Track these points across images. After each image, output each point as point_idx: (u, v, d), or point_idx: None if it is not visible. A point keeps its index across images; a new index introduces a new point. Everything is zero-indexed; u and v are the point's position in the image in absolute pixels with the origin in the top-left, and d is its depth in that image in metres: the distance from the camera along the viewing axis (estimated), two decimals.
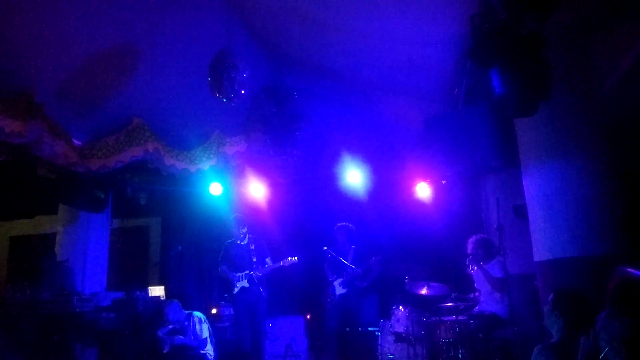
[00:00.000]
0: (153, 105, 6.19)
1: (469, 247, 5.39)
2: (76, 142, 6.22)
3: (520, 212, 5.59)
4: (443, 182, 6.70)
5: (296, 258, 5.93)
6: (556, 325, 2.71)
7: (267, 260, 6.07)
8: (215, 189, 7.36)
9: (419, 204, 6.87)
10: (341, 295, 6.00)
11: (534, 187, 4.49)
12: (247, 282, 5.92)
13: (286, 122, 6.22)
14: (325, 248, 6.14)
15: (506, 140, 5.01)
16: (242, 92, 5.28)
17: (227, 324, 6.62)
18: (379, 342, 5.55)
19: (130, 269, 6.85)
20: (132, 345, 5.93)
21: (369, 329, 6.48)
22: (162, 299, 6.75)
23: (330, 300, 6.01)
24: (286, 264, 5.93)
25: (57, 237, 7.55)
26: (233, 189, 7.66)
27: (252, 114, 6.44)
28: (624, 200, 4.32)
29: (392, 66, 5.78)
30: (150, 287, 6.85)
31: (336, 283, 6.05)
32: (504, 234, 4.96)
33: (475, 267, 5.31)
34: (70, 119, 6.01)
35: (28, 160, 6.24)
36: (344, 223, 6.23)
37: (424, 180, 6.70)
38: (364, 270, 5.98)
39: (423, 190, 6.77)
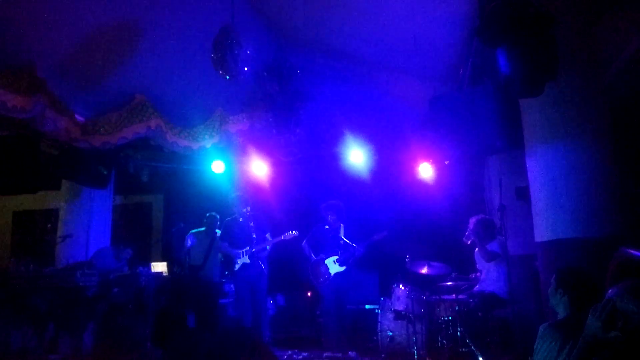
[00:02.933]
0: (156, 82, 6.16)
1: (470, 227, 5.41)
2: (79, 118, 6.22)
3: (523, 193, 5.60)
4: (446, 162, 6.67)
5: (296, 232, 5.96)
6: (562, 304, 2.72)
7: (267, 236, 6.09)
8: (217, 166, 7.36)
9: (422, 184, 6.87)
10: (337, 273, 6.01)
11: (537, 168, 4.48)
12: (248, 258, 5.96)
13: (289, 101, 6.17)
14: (327, 227, 6.15)
15: (511, 121, 4.97)
16: (245, 69, 5.23)
17: (229, 300, 6.69)
18: (379, 320, 5.60)
19: (133, 245, 6.84)
20: (135, 319, 5.98)
21: (369, 306, 6.57)
22: (164, 274, 6.81)
23: (325, 279, 6.02)
24: (287, 238, 5.96)
25: (60, 213, 7.59)
26: (235, 167, 7.66)
27: (255, 92, 6.40)
28: (628, 183, 4.31)
29: (396, 45, 5.71)
30: (152, 263, 6.90)
31: (329, 261, 6.05)
32: (506, 214, 4.97)
33: (470, 241, 5.37)
34: (73, 94, 5.99)
35: (31, 136, 6.24)
36: (334, 201, 6.23)
37: (427, 160, 6.68)
38: (365, 248, 6.00)
39: (426, 171, 6.76)
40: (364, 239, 6.00)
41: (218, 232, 6.58)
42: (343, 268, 6.03)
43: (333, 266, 6.04)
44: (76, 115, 6.14)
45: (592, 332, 2.19)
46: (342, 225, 6.18)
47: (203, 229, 6.58)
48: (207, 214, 6.66)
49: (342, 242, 6.08)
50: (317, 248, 6.17)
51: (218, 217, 6.59)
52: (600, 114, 4.29)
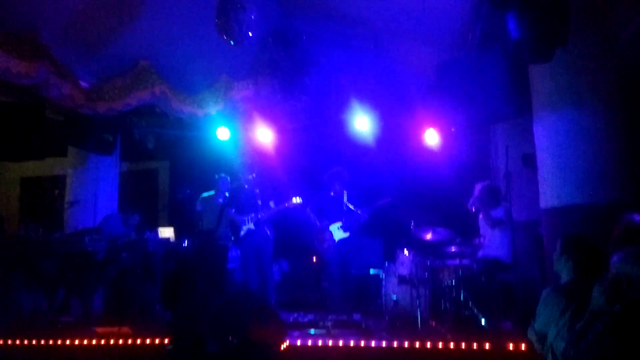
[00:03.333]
0: (160, 48, 6.12)
1: (475, 193, 5.43)
2: (83, 84, 6.21)
3: (529, 160, 5.60)
4: (452, 129, 6.67)
5: (300, 199, 6.00)
6: (565, 269, 2.77)
7: (271, 203, 6.13)
8: (222, 133, 7.34)
9: (427, 150, 6.84)
10: (342, 239, 6.08)
11: (544, 134, 4.47)
12: (254, 224, 6.03)
13: (295, 67, 6.11)
14: (331, 194, 6.18)
15: (519, 87, 4.95)
16: (250, 34, 5.18)
17: (235, 265, 6.80)
18: (383, 284, 5.66)
19: (140, 211, 6.92)
20: (144, 283, 6.10)
21: (374, 271, 6.66)
22: (171, 240, 6.91)
23: (329, 245, 6.08)
24: (291, 205, 6.00)
25: (67, 179, 7.66)
26: (241, 134, 7.66)
27: (260, 58, 6.35)
28: (636, 150, 4.30)
29: (404, 10, 5.61)
30: (159, 229, 6.99)
31: (334, 227, 6.10)
32: (512, 181, 4.99)
33: (475, 208, 5.39)
34: (77, 60, 5.97)
35: (36, 102, 6.25)
36: (337, 168, 6.24)
37: (433, 127, 6.64)
38: (370, 214, 6.04)
39: (432, 137, 6.72)
40: (369, 205, 6.03)
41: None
42: (347, 234, 6.09)
43: (337, 232, 6.09)
44: (80, 82, 6.12)
45: (597, 306, 2.26)
46: (345, 192, 6.21)
47: (212, 192, 6.59)
48: (217, 176, 6.65)
49: (345, 208, 6.12)
50: (321, 214, 6.22)
51: (229, 178, 6.58)
52: (610, 80, 4.25)
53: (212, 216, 6.34)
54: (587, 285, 2.42)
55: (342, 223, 6.07)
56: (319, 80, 6.14)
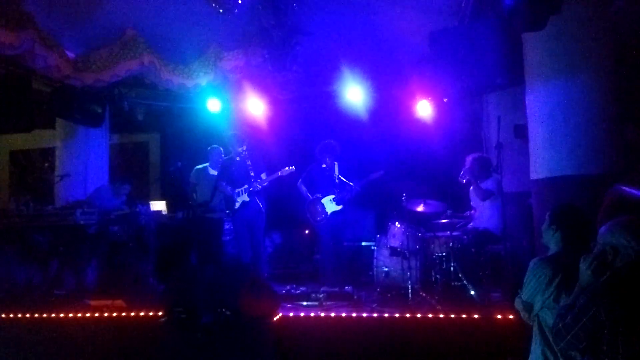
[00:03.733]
0: (147, 16, 5.98)
1: (467, 165, 5.43)
2: (69, 54, 6.08)
3: (521, 132, 5.60)
4: (445, 99, 6.63)
5: (293, 167, 5.98)
6: (553, 240, 2.78)
7: (263, 175, 6.11)
8: (213, 105, 7.29)
9: (420, 122, 6.83)
10: (334, 212, 6.09)
11: (537, 105, 4.45)
12: (248, 196, 6.02)
13: (286, 36, 5.99)
14: (324, 166, 6.17)
15: (512, 57, 4.90)
16: (240, 2, 5.08)
17: (228, 237, 6.82)
18: (375, 256, 5.71)
19: (132, 184, 6.90)
20: (137, 256, 6.12)
21: (366, 243, 6.70)
22: (163, 213, 6.91)
23: (322, 218, 6.09)
24: (284, 174, 5.98)
25: (57, 152, 7.59)
26: (231, 105, 7.58)
27: (250, 27, 6.22)
28: (627, 121, 4.30)
29: None
30: (151, 202, 6.98)
31: (326, 200, 6.11)
32: (503, 152, 4.99)
33: (466, 180, 5.40)
34: (62, 30, 5.84)
35: (22, 73, 6.13)
36: (328, 140, 6.20)
37: (426, 97, 6.61)
38: (362, 186, 6.04)
39: (424, 108, 6.71)
40: (361, 177, 6.03)
41: None
42: (340, 207, 6.10)
43: (330, 205, 6.10)
44: (67, 52, 6.00)
45: (584, 280, 2.28)
46: (336, 163, 6.19)
47: (207, 164, 6.57)
48: (209, 147, 6.62)
49: (338, 181, 6.12)
50: (313, 187, 6.21)
51: (222, 149, 6.55)
52: (603, 50, 4.21)
53: (206, 188, 6.33)
54: (575, 256, 2.43)
55: (335, 196, 6.08)
56: (311, 50, 6.05)
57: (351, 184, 6.04)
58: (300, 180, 6.24)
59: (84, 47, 6.20)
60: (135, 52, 6.09)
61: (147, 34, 6.13)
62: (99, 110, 6.98)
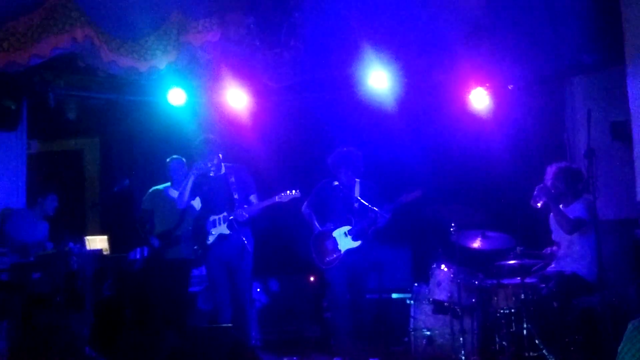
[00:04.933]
0: None
1: (547, 180, 5.43)
2: None
3: (621, 131, 5.58)
4: (509, 87, 6.64)
5: (297, 192, 5.95)
6: None
7: (252, 198, 6.09)
8: (175, 97, 7.30)
9: (473, 119, 6.86)
10: (350, 250, 6.05)
11: None
12: (227, 227, 5.99)
13: None
14: (336, 183, 6.16)
15: (606, 25, 4.91)
16: None
17: (199, 288, 6.79)
18: (412, 314, 5.68)
19: (59, 211, 6.89)
20: (67, 315, 6.09)
21: (398, 295, 6.67)
22: (105, 253, 6.89)
23: (333, 259, 6.05)
24: (284, 200, 5.94)
25: None
26: (202, 97, 7.62)
27: None
28: None
29: None
30: (87, 237, 6.96)
31: (339, 233, 6.08)
32: (596, 162, 4.96)
33: (542, 204, 5.36)
34: None
35: None
36: (346, 148, 6.20)
37: (481, 85, 6.66)
38: (390, 213, 6.01)
39: (479, 100, 6.73)
40: (389, 200, 6.00)
41: None
42: (358, 243, 6.04)
43: (344, 240, 6.03)
44: None
45: None
46: (357, 181, 6.18)
47: (168, 184, 6.58)
48: (169, 159, 6.63)
49: (357, 205, 6.09)
50: (322, 215, 6.18)
51: (184, 160, 6.56)
52: None
53: (167, 217, 6.31)
54: None
55: (352, 227, 6.04)
56: (316, 20, 6.08)
57: (376, 209, 6.00)
58: (305, 204, 6.22)
59: None
60: (65, 23, 6.10)
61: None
62: (13, 107, 7.00)
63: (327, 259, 6.08)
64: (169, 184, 6.57)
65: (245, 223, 6.00)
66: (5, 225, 6.57)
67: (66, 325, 6.08)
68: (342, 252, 6.05)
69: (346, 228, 6.07)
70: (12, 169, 7.56)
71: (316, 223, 6.18)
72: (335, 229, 6.10)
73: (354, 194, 6.14)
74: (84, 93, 7.85)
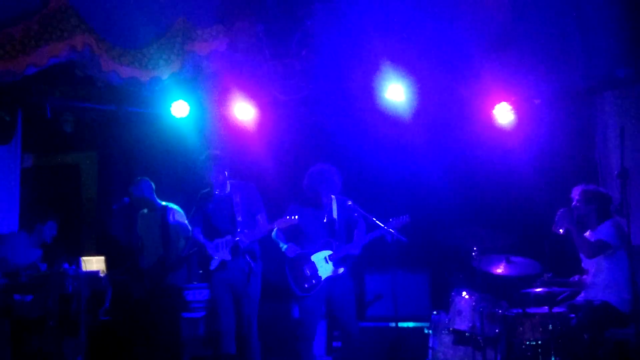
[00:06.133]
0: None
1: (574, 201, 5.40)
2: None
3: None
4: (536, 101, 6.62)
5: (297, 217, 5.90)
6: None
7: (260, 218, 6.07)
8: (179, 109, 7.32)
9: (496, 135, 6.87)
10: (330, 278, 5.95)
11: None
12: (230, 252, 5.95)
13: (289, 6, 6.09)
14: (349, 203, 6.10)
15: None
16: None
17: (201, 314, 6.78)
18: (430, 344, 5.67)
19: (54, 230, 6.87)
20: (59, 341, 6.09)
21: (414, 324, 6.62)
22: (101, 274, 6.87)
23: (313, 284, 5.92)
24: (282, 227, 5.91)
25: None
26: (208, 110, 7.64)
27: None
28: None
29: None
30: (84, 258, 6.94)
31: (317, 258, 5.96)
32: (631, 183, 4.92)
33: (563, 231, 5.31)
34: None
35: None
36: (322, 164, 6.10)
37: (505, 99, 6.67)
38: (360, 249, 5.94)
39: (503, 115, 6.73)
40: (367, 229, 5.92)
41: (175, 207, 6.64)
42: (341, 270, 5.96)
43: (324, 266, 5.93)
44: None
45: None
46: (334, 199, 6.08)
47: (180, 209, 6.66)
48: (136, 179, 6.70)
49: (338, 227, 6.02)
50: (296, 240, 6.08)
51: (151, 183, 6.64)
52: None
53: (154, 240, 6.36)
54: None
55: (333, 252, 5.94)
56: (330, 28, 6.08)
57: (386, 227, 5.88)
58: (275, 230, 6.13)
59: None
60: (64, 30, 6.14)
61: (82, 4, 6.19)
62: (8, 118, 7.03)
63: (306, 285, 5.99)
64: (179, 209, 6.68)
65: (250, 247, 5.97)
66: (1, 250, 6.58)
67: (59, 351, 6.10)
68: (323, 279, 5.95)
69: (326, 253, 5.97)
70: (5, 184, 7.57)
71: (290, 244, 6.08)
72: (314, 252, 6.01)
73: (332, 215, 6.08)
74: (81, 104, 7.85)
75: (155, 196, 6.80)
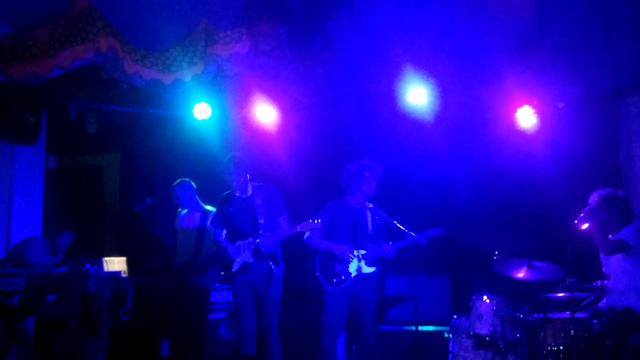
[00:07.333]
0: None
1: (591, 205, 5.38)
2: None
3: None
4: (560, 105, 6.60)
5: (319, 222, 5.89)
6: None
7: (281, 220, 6.08)
8: (201, 111, 7.36)
9: (519, 138, 6.84)
10: (360, 276, 5.95)
11: None
12: (252, 254, 5.97)
13: (311, 8, 6.10)
14: (370, 206, 6.11)
15: None
16: None
17: (222, 315, 6.81)
18: (450, 349, 5.64)
19: (75, 229, 6.93)
20: (82, 340, 6.14)
21: (434, 328, 6.61)
22: (123, 275, 6.92)
23: (342, 280, 5.93)
24: (304, 230, 5.92)
25: None
26: (230, 112, 7.66)
27: None
28: None
29: None
30: (105, 259, 7.00)
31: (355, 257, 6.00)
32: None
33: (587, 225, 5.31)
34: None
35: None
36: (363, 160, 6.10)
37: (528, 102, 6.64)
38: (395, 252, 5.94)
39: (526, 118, 6.70)
40: (399, 236, 5.90)
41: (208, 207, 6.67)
42: (373, 269, 5.99)
43: (356, 264, 5.93)
44: None
45: None
46: (369, 205, 6.08)
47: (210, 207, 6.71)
48: (175, 183, 6.65)
49: (372, 228, 6.03)
50: (332, 234, 6.10)
51: (193, 184, 6.59)
52: None
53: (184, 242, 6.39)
54: None
55: (367, 251, 5.96)
56: (352, 31, 6.09)
57: (413, 234, 5.93)
58: (309, 234, 6.13)
59: (13, 24, 6.34)
60: (89, 33, 6.19)
61: (107, 8, 6.24)
62: (32, 119, 7.09)
63: (335, 279, 6.01)
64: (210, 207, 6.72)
65: (272, 249, 5.99)
66: (18, 250, 6.63)
67: (81, 351, 6.15)
68: (353, 276, 5.98)
69: (360, 252, 6.01)
70: (30, 186, 7.64)
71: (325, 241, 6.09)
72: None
73: (366, 216, 6.08)
74: (105, 106, 7.90)
75: (197, 198, 6.86)
